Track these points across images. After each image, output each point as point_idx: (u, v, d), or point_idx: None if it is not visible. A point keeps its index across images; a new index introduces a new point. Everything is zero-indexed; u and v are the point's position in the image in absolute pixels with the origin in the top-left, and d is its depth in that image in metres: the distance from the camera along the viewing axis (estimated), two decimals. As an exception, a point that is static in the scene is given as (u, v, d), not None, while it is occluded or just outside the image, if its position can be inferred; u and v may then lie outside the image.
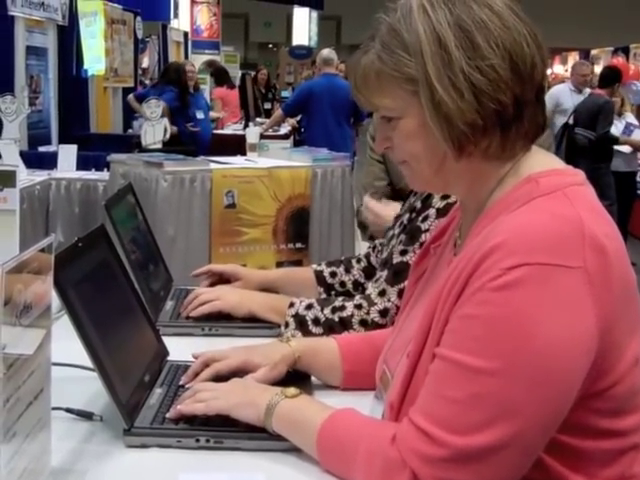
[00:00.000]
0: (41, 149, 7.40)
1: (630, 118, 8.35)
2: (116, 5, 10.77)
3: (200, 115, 8.79)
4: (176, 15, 15.85)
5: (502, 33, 1.15)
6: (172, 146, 6.58)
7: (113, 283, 1.53)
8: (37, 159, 6.27)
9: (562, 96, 8.69)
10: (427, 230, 1.80)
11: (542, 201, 1.13)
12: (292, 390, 1.34)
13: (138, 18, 11.54)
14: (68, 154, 5.89)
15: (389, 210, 2.39)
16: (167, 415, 1.37)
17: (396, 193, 2.69)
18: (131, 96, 9.37)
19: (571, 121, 8.04)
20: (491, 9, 1.17)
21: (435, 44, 1.14)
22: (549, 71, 23.55)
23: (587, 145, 7.58)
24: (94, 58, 9.70)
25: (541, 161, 1.21)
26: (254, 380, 1.47)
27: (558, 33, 21.32)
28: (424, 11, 1.17)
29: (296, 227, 4.79)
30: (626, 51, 14.69)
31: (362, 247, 3.09)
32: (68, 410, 1.41)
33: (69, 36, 9.14)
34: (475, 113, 1.14)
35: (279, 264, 4.72)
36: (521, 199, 1.15)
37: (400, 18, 1.18)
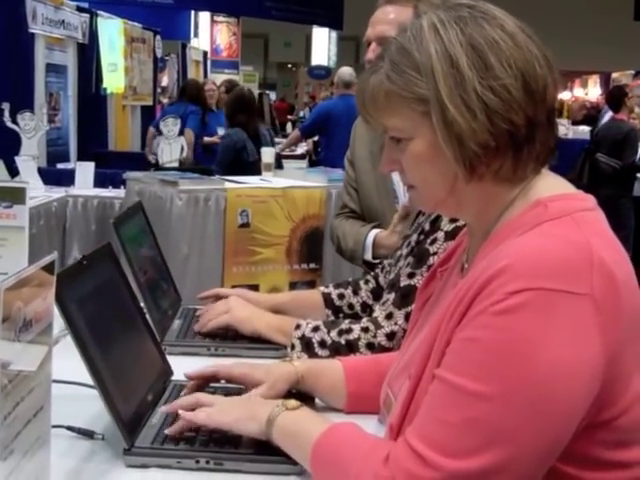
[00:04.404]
0: (59, 166, 7.44)
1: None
2: (136, 24, 10.87)
3: (221, 131, 8.81)
4: (196, 34, 16.00)
5: (514, 53, 1.15)
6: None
7: (117, 302, 1.53)
8: (55, 176, 6.29)
9: None
10: (435, 253, 1.79)
11: (549, 226, 1.12)
12: (293, 402, 1.33)
13: (158, 37, 11.64)
14: (85, 171, 5.92)
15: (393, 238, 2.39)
16: (166, 431, 1.36)
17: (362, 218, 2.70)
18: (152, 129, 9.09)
19: (592, 145, 8.03)
20: (503, 29, 1.16)
21: (447, 63, 1.14)
22: (569, 94, 23.52)
23: (611, 173, 7.55)
24: (113, 76, 9.77)
25: (551, 185, 1.20)
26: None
27: (578, 56, 21.29)
28: (435, 30, 1.16)
29: (310, 247, 4.79)
30: (647, 74, 14.64)
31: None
32: (69, 428, 1.41)
33: (89, 54, 9.23)
34: (487, 133, 1.13)
35: (292, 284, 4.72)
36: (529, 223, 1.14)
37: (410, 38, 1.18)
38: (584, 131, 11.67)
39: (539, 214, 1.14)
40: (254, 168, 6.09)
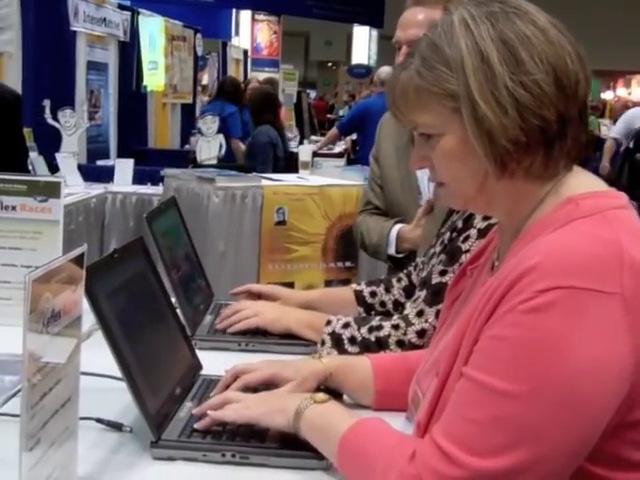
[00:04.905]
0: (99, 163, 7.51)
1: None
2: (177, 22, 10.94)
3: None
4: (237, 33, 16.08)
5: (546, 48, 1.14)
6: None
7: (148, 295, 1.53)
8: (95, 173, 6.36)
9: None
10: (467, 251, 1.77)
11: (580, 223, 1.11)
12: (321, 395, 1.34)
13: (198, 35, 11.71)
14: (125, 168, 5.97)
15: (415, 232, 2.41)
16: (195, 425, 1.37)
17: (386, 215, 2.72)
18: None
19: (631, 145, 7.94)
20: (535, 24, 1.15)
21: (477, 59, 1.13)
22: (612, 94, 23.27)
23: None
24: (154, 74, 9.84)
25: (583, 182, 1.19)
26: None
27: (622, 56, 21.06)
28: (466, 26, 1.15)
29: (346, 246, 4.78)
30: (690, 75, 14.45)
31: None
32: (98, 420, 1.42)
33: (129, 52, 9.31)
34: (518, 129, 1.12)
35: (327, 282, 4.71)
36: (559, 221, 1.13)
37: (441, 33, 1.17)
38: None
39: (570, 212, 1.13)
40: (283, 165, 6.16)
